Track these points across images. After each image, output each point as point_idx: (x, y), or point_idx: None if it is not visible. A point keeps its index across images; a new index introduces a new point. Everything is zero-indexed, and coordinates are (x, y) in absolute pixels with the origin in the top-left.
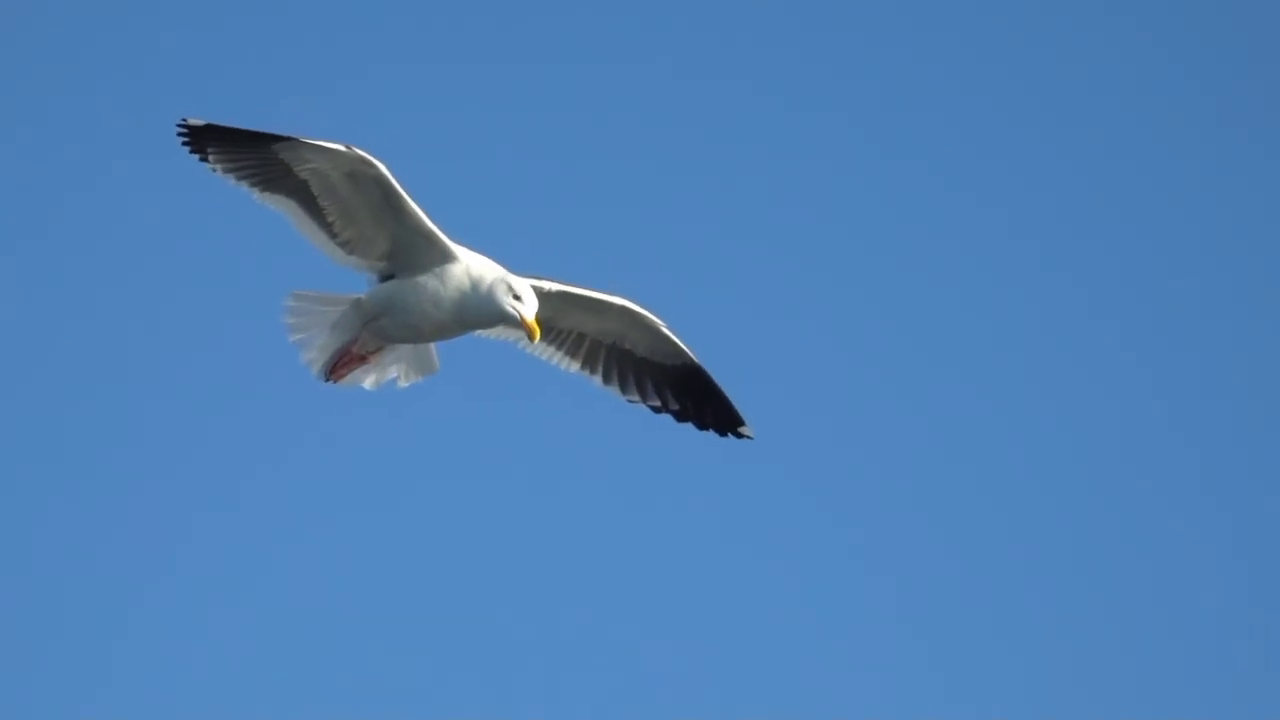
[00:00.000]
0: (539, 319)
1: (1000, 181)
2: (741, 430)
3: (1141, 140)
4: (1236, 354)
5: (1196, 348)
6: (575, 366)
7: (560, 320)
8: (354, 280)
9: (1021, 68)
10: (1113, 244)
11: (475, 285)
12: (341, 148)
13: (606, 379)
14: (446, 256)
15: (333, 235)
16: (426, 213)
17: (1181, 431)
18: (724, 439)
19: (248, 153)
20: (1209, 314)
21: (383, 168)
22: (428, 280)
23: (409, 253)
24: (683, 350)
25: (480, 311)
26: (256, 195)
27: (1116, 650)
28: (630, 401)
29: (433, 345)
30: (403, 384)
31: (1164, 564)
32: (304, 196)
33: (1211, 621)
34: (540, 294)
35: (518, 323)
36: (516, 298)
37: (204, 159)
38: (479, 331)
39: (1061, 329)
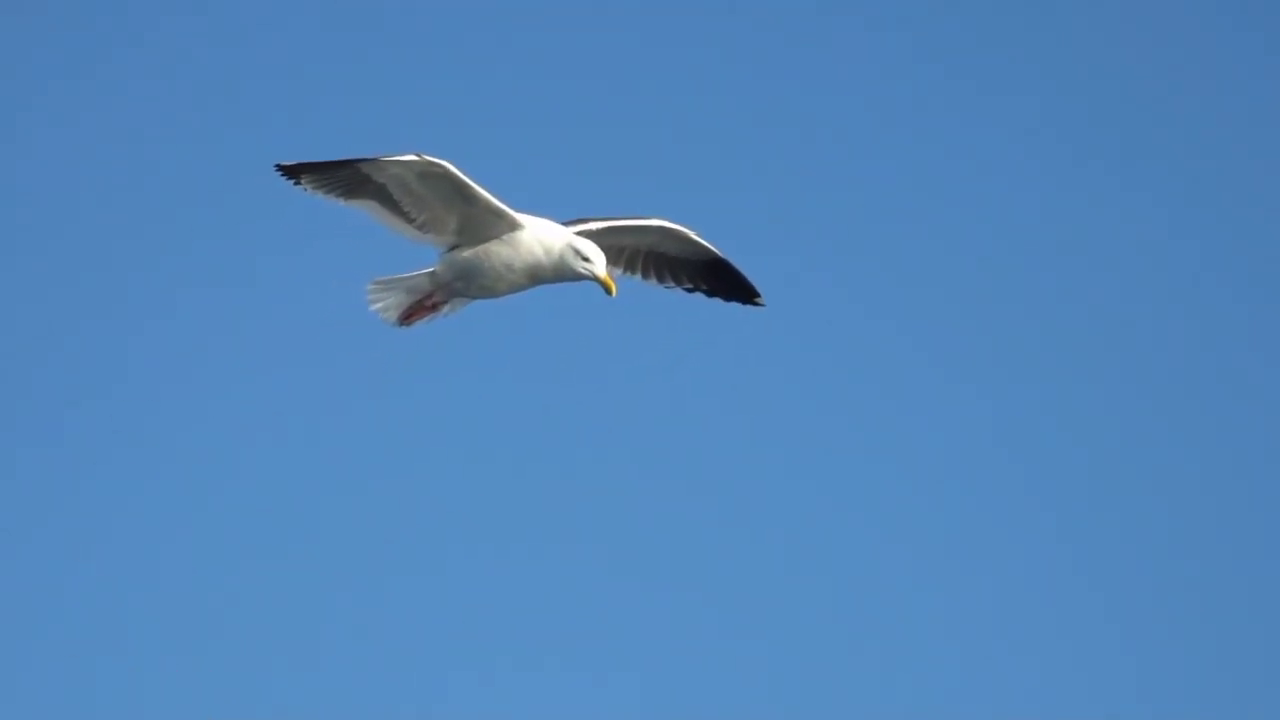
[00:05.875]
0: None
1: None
2: (756, 300)
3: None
4: None
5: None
6: (620, 271)
7: (607, 243)
8: (420, 255)
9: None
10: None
11: (547, 252)
12: (414, 156)
13: (645, 276)
14: (514, 225)
15: (409, 221)
16: (491, 191)
17: None
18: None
19: (336, 174)
20: None
21: (449, 165)
22: (499, 248)
23: (478, 227)
24: (710, 249)
25: (555, 273)
26: (341, 203)
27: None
28: (667, 288)
29: None
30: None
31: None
32: (383, 196)
33: None
34: (591, 234)
35: (594, 280)
36: (586, 259)
37: (296, 183)
38: None
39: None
